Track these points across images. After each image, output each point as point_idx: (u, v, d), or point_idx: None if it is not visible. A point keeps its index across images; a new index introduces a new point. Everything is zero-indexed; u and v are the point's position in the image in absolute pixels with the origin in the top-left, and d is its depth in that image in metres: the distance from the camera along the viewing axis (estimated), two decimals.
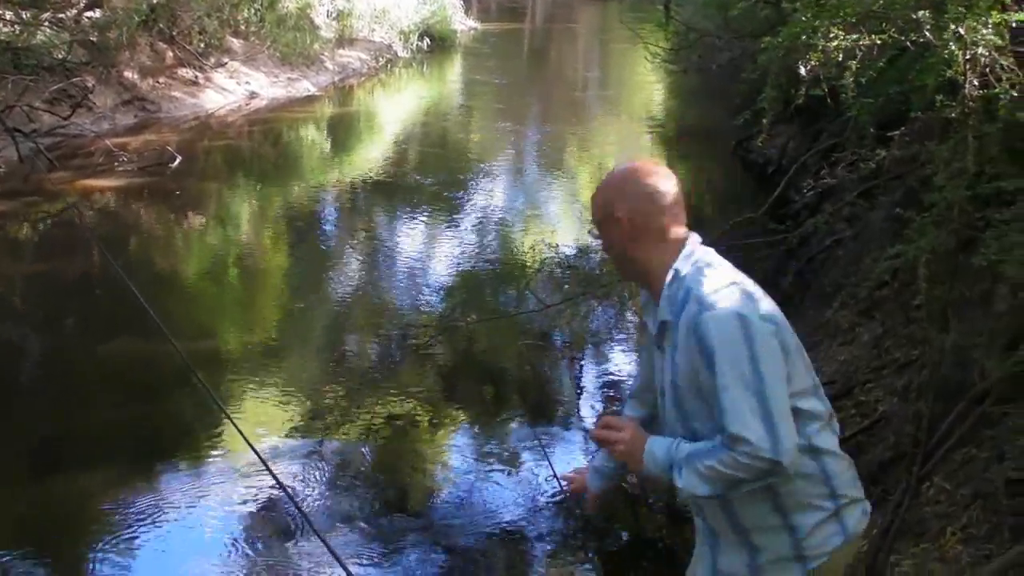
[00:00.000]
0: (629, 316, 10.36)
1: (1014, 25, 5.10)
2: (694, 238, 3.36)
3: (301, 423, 8.30)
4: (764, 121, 8.04)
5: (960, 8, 5.08)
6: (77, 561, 6.58)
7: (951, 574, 5.16)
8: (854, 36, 6.22)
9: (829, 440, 3.32)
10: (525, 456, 8.03)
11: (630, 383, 4.08)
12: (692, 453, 3.16)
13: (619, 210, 3.32)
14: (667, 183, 3.35)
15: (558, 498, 7.30)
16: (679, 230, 3.34)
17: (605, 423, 3.47)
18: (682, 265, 3.28)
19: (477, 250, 13.42)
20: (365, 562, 6.56)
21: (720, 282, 3.21)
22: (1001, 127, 5.34)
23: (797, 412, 3.14)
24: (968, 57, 5.05)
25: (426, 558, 6.71)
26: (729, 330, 3.09)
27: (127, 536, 6.72)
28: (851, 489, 3.38)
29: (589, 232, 3.33)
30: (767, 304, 3.23)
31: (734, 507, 3.29)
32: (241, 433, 5.65)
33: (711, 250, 3.37)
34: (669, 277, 3.28)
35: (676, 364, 3.25)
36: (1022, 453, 5.32)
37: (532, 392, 9.26)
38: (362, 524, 6.98)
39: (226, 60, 22.67)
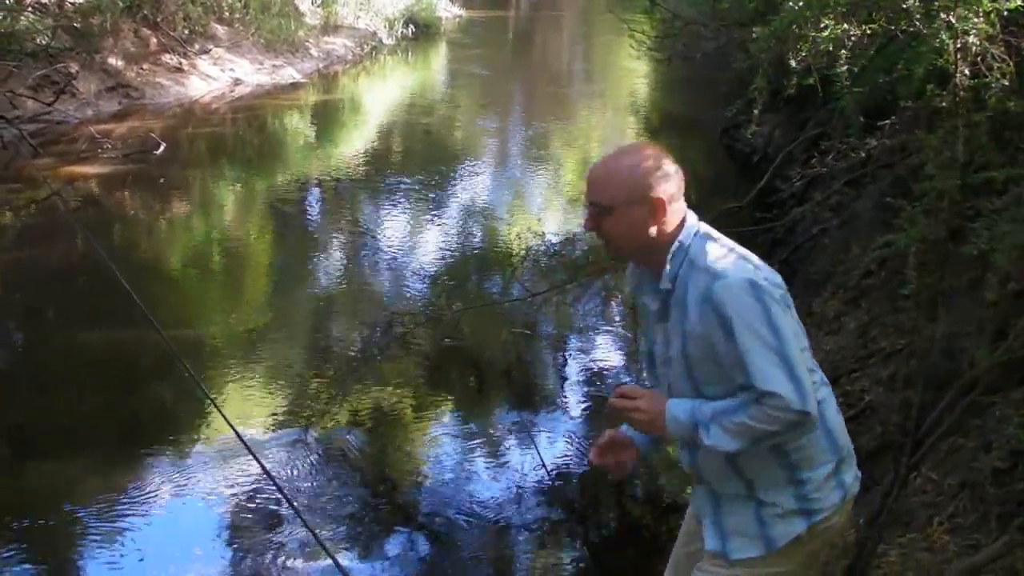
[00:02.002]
0: (615, 304, 10.36)
1: (1005, 13, 5.09)
2: (691, 213, 3.48)
3: (287, 411, 8.28)
4: (755, 111, 8.03)
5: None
6: (61, 548, 6.55)
7: (938, 564, 5.17)
8: (844, 25, 6.20)
9: (825, 392, 3.51)
10: (512, 444, 8.03)
11: (619, 370, 4.10)
12: (719, 411, 3.28)
13: (655, 191, 3.37)
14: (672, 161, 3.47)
15: (544, 485, 7.30)
16: (683, 205, 3.47)
17: (620, 392, 3.51)
18: (685, 238, 3.40)
19: (462, 238, 13.41)
20: (351, 550, 6.55)
21: (725, 252, 3.36)
22: (991, 116, 5.35)
23: None
24: (959, 46, 5.04)
25: (412, 545, 6.70)
26: (743, 296, 3.23)
27: (110, 524, 6.70)
28: (848, 442, 3.57)
29: (590, 215, 3.17)
30: (768, 269, 3.39)
31: (740, 463, 3.41)
32: (227, 420, 5.65)
33: (705, 224, 3.50)
34: (673, 249, 3.39)
35: (686, 333, 3.35)
36: (1009, 443, 5.33)
37: (518, 380, 9.25)
38: (348, 512, 6.97)
39: (210, 47, 22.56)
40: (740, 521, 3.48)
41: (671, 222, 3.41)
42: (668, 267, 3.38)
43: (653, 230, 3.39)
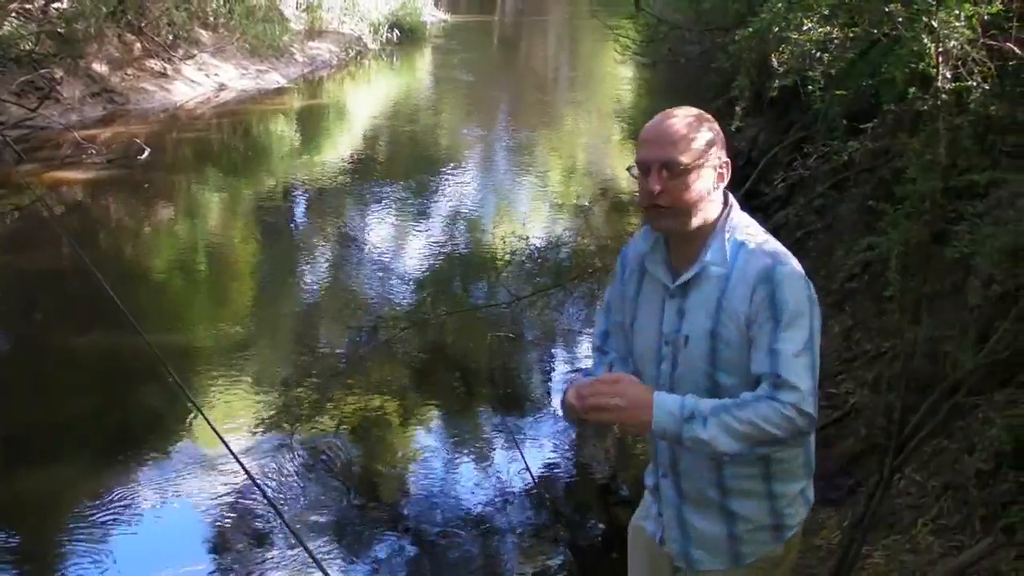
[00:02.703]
0: (599, 306, 10.35)
1: (986, 17, 5.11)
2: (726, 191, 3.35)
3: (272, 416, 8.26)
4: (737, 109, 8.04)
5: (927, 2, 5.09)
6: (46, 554, 6.53)
7: (922, 565, 5.18)
8: (826, 28, 6.22)
9: None
10: (497, 448, 8.02)
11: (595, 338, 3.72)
12: (721, 406, 3.04)
13: (724, 154, 3.27)
14: None
15: (530, 490, 7.30)
16: None
17: (593, 388, 3.08)
18: (736, 214, 3.29)
19: (447, 243, 13.39)
20: (336, 555, 6.54)
21: (777, 242, 3.26)
22: (973, 120, 5.36)
23: None
24: (940, 49, 5.05)
25: (398, 550, 6.70)
26: (802, 288, 3.14)
27: (95, 530, 6.68)
28: (813, 459, 3.44)
29: (656, 177, 2.90)
30: None
31: (724, 470, 3.29)
32: (211, 426, 5.65)
33: None
34: (731, 223, 3.26)
35: (719, 309, 3.18)
36: (992, 444, 5.35)
37: (503, 384, 9.25)
38: (333, 517, 6.96)
39: (195, 52, 22.56)
40: (707, 527, 3.37)
41: (721, 193, 3.30)
42: (715, 242, 3.23)
43: (713, 196, 3.25)
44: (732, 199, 3.32)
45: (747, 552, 3.35)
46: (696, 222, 3.22)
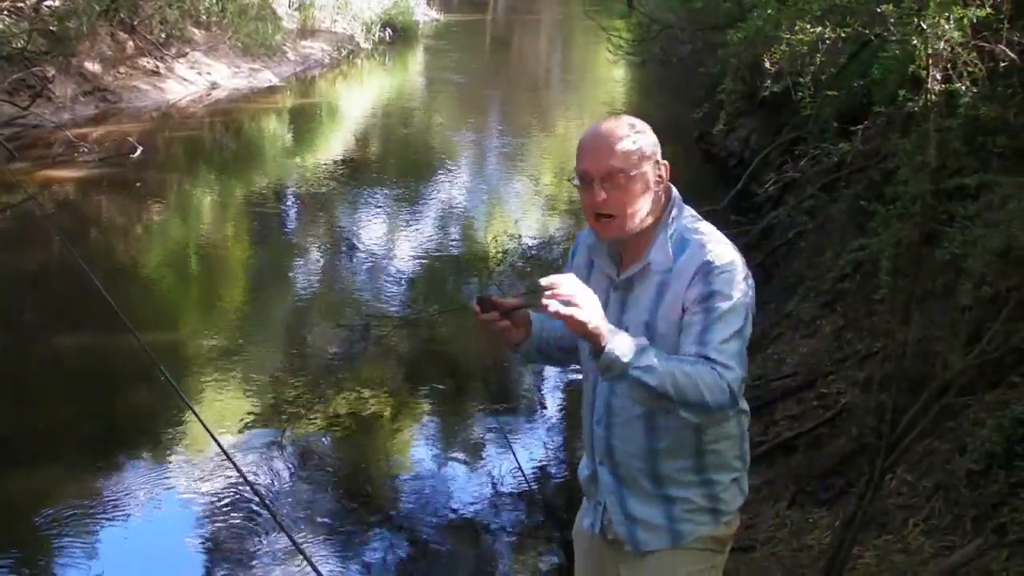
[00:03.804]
0: None
1: (976, 20, 5.12)
2: (672, 186, 3.41)
3: (263, 415, 8.26)
4: (723, 111, 8.07)
5: (915, 4, 5.11)
6: (38, 552, 6.53)
7: (914, 565, 5.20)
8: (818, 30, 6.23)
9: (745, 404, 3.43)
10: (489, 446, 8.04)
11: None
12: (672, 357, 3.09)
13: (659, 156, 3.33)
14: None
15: (521, 488, 7.31)
16: None
17: (565, 281, 3.03)
18: (678, 209, 3.36)
19: (439, 242, 13.40)
20: (328, 553, 6.55)
21: (717, 233, 3.32)
22: (963, 122, 5.39)
23: None
24: (931, 52, 5.07)
25: (390, 549, 6.70)
26: (737, 275, 3.21)
27: (88, 529, 6.68)
28: (748, 453, 3.54)
29: (598, 188, 2.96)
30: None
31: (658, 459, 3.36)
32: (204, 425, 5.64)
33: None
34: (672, 219, 3.34)
35: (659, 303, 3.26)
36: (983, 445, 5.37)
37: (495, 383, 9.26)
38: (326, 516, 6.97)
39: (187, 50, 22.51)
40: (645, 512, 3.43)
41: (663, 192, 3.36)
42: (660, 237, 3.31)
43: (651, 198, 3.31)
44: (675, 193, 3.40)
45: (686, 531, 3.42)
46: (638, 226, 3.31)
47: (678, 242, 3.29)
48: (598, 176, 3.25)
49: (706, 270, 3.19)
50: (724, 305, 3.15)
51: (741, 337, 3.17)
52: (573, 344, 3.58)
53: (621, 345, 3.03)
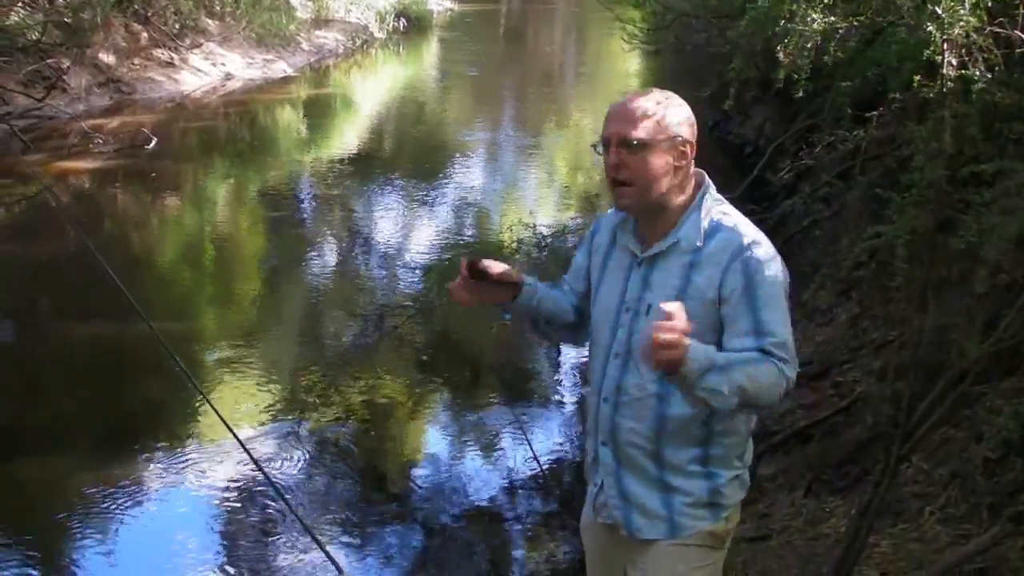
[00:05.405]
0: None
1: (991, 4, 5.10)
2: (703, 173, 3.42)
3: (279, 404, 8.27)
4: (731, 90, 8.05)
5: None
6: (52, 543, 6.54)
7: (929, 554, 5.18)
8: (831, 18, 6.21)
9: None
10: (504, 436, 8.02)
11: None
12: (733, 360, 3.05)
13: (687, 132, 3.31)
14: None
15: (537, 477, 7.30)
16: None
17: (663, 327, 2.90)
18: (710, 194, 3.37)
19: (454, 232, 13.40)
20: (344, 543, 6.54)
21: (748, 221, 3.34)
22: (979, 108, 5.36)
23: None
24: (946, 37, 5.04)
25: (405, 538, 6.70)
26: (776, 266, 3.24)
27: (102, 520, 6.68)
28: (750, 452, 3.53)
29: (615, 155, 2.96)
30: None
31: (664, 442, 3.34)
32: (218, 414, 5.65)
33: None
34: (704, 203, 3.34)
35: (687, 284, 3.25)
36: (1000, 433, 5.34)
37: (510, 372, 9.24)
38: (341, 505, 6.97)
39: (201, 41, 22.55)
40: (643, 496, 3.41)
41: (690, 173, 3.36)
42: (690, 218, 3.31)
43: (676, 177, 3.31)
44: (708, 180, 3.40)
45: (685, 525, 3.39)
46: (655, 198, 3.30)
47: (711, 225, 3.29)
48: (615, 140, 3.28)
49: (745, 257, 3.20)
50: (771, 294, 3.19)
51: (789, 326, 3.21)
52: (564, 323, 3.66)
53: (699, 361, 2.96)
